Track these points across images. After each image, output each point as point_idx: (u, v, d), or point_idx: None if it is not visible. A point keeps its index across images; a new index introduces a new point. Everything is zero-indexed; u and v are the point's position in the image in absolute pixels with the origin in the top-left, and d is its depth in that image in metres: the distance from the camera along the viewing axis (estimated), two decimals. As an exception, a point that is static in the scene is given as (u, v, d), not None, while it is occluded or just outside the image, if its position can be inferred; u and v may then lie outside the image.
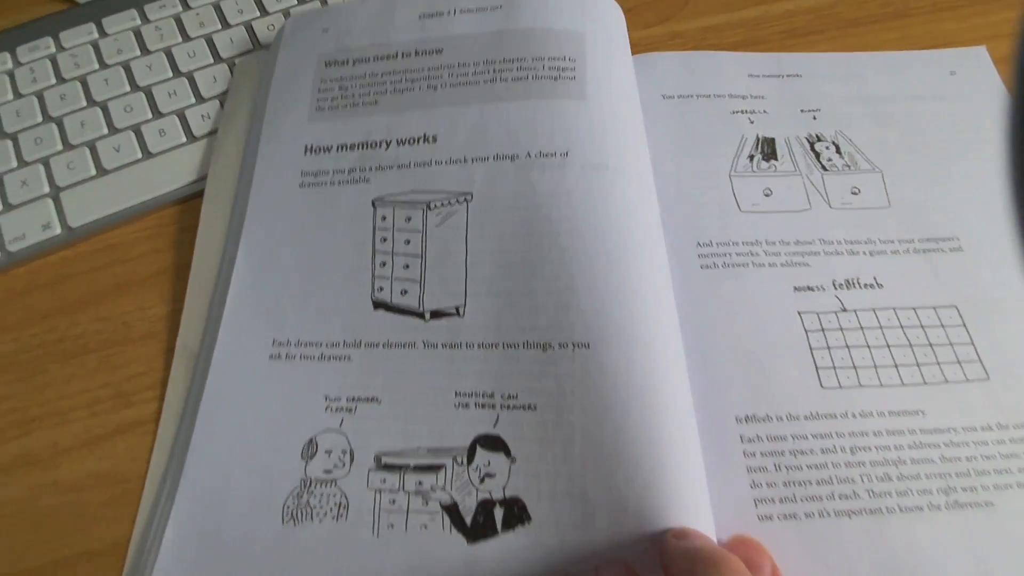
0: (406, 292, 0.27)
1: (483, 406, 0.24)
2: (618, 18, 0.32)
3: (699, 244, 0.28)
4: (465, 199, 0.28)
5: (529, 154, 0.27)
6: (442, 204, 0.28)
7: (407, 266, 0.28)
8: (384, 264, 0.28)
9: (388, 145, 0.30)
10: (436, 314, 0.26)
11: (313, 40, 0.33)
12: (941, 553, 0.22)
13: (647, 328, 0.24)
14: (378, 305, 0.27)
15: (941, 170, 0.30)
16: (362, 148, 0.30)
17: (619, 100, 0.29)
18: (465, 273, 0.27)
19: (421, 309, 0.27)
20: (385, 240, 0.28)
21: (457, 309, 0.26)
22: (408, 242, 0.28)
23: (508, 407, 0.24)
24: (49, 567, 0.24)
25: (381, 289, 0.27)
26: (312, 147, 0.30)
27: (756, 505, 0.23)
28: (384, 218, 0.29)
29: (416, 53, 0.31)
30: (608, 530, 0.21)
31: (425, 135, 0.29)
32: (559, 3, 0.31)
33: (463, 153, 0.28)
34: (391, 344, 0.26)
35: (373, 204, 0.29)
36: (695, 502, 0.22)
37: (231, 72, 0.34)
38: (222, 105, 0.33)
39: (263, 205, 0.29)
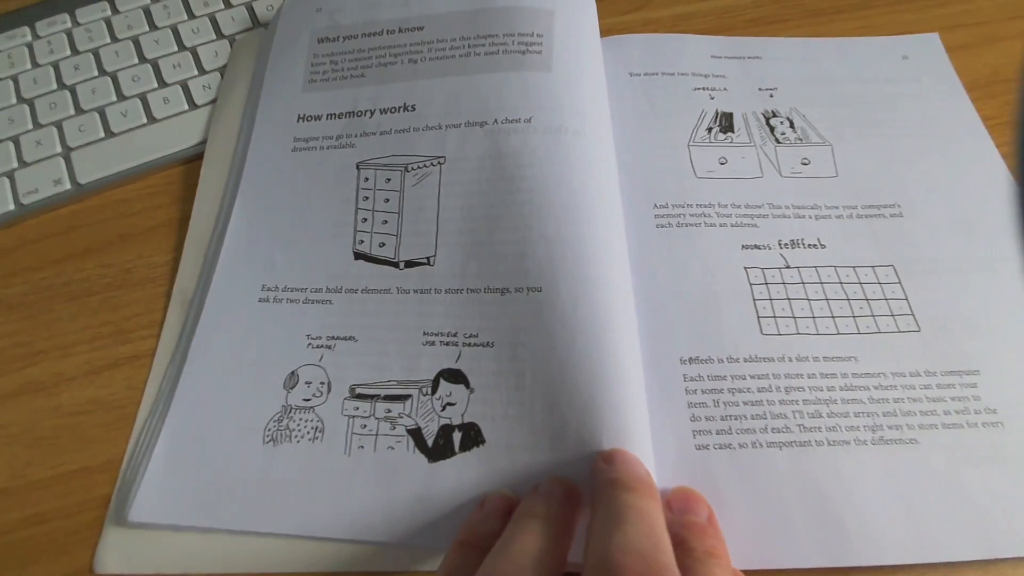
0: (384, 244, 0.30)
1: (447, 344, 0.26)
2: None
3: (656, 206, 0.30)
4: (439, 162, 0.30)
5: (497, 120, 0.30)
6: (418, 167, 0.31)
7: (385, 222, 0.30)
8: (365, 220, 0.30)
9: (372, 114, 0.32)
10: (410, 263, 0.29)
11: (308, 18, 0.35)
12: (864, 483, 0.24)
13: (596, 275, 0.26)
14: (358, 256, 0.29)
15: (887, 144, 0.33)
16: (349, 116, 0.32)
17: (583, 72, 0.31)
18: (436, 227, 0.29)
19: (396, 259, 0.29)
20: (367, 199, 0.31)
21: (428, 259, 0.29)
22: (387, 200, 0.30)
23: (469, 344, 0.26)
24: (48, 481, 0.26)
25: (362, 242, 0.30)
26: (304, 116, 0.33)
27: (694, 436, 0.25)
28: (367, 179, 0.31)
29: (400, 30, 0.34)
30: (551, 451, 0.23)
31: (405, 104, 0.32)
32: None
33: (438, 120, 0.31)
34: (368, 290, 0.28)
35: (357, 167, 0.31)
36: (633, 428, 0.24)
37: (231, 47, 0.37)
38: (222, 76, 0.36)
39: (258, 166, 0.32)
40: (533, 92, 0.30)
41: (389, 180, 0.31)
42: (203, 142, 0.34)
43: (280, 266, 0.29)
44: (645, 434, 0.24)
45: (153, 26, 0.37)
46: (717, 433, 0.25)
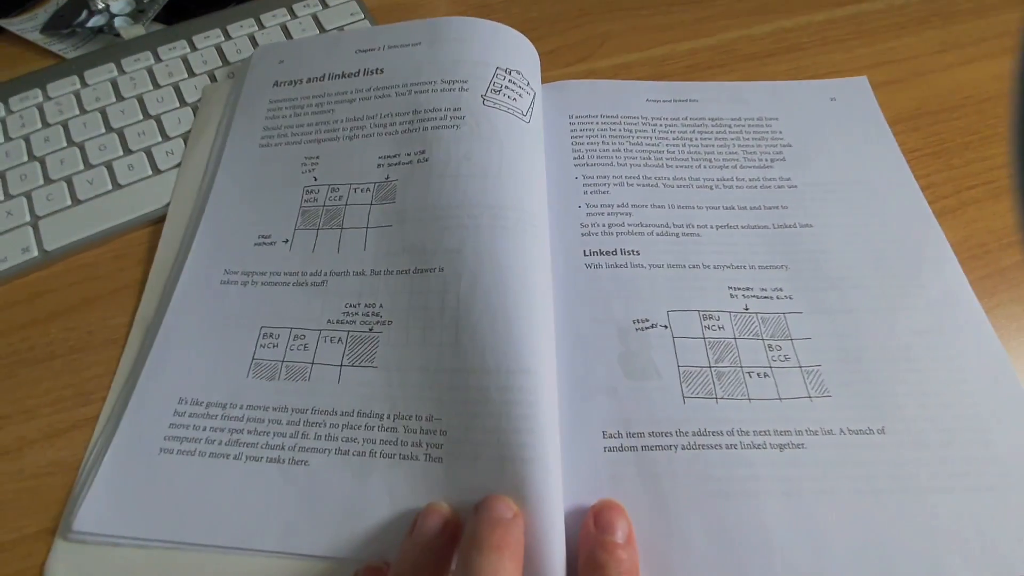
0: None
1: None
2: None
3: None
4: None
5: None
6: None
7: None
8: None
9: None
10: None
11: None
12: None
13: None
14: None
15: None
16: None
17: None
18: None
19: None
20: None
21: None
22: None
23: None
24: (10, 544, 0.27)
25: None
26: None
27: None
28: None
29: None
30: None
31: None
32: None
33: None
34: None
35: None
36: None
37: (194, 115, 0.39)
38: (185, 143, 0.38)
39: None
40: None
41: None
42: (165, 206, 0.35)
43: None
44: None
45: (120, 97, 0.40)
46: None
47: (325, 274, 0.31)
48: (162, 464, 0.27)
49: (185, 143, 0.38)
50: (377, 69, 0.37)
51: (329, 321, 0.29)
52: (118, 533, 0.25)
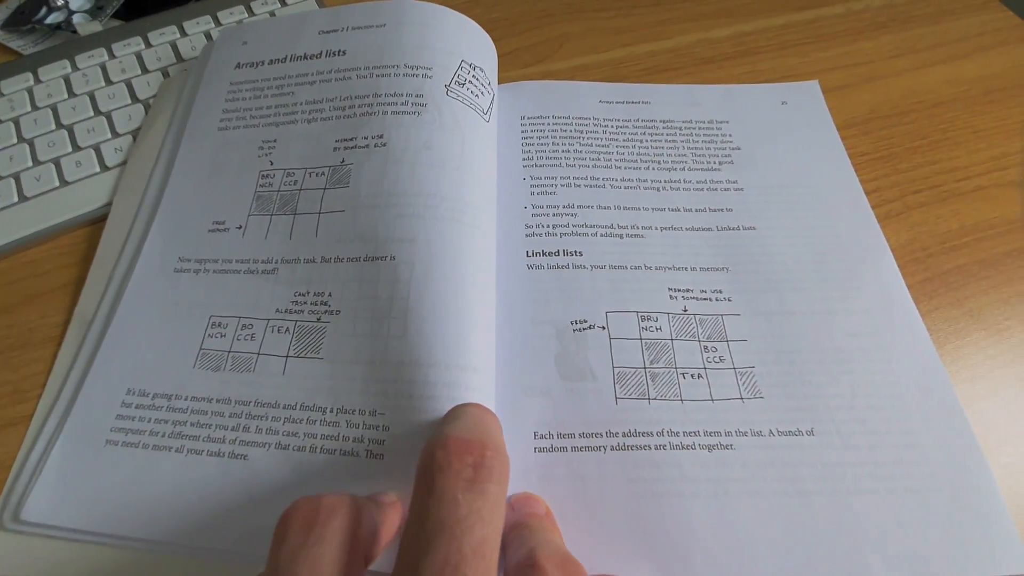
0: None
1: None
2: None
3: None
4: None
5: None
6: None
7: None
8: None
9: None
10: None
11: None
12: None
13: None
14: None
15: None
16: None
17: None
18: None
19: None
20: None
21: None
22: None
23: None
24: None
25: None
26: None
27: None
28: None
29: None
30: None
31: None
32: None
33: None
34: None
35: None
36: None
37: (146, 111, 0.39)
38: (135, 139, 0.37)
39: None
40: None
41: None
42: (110, 203, 0.35)
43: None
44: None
45: (72, 94, 0.39)
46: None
47: (276, 261, 0.30)
48: (107, 456, 0.27)
49: (135, 139, 0.37)
50: (340, 51, 0.36)
51: (278, 310, 0.29)
52: (62, 524, 0.25)
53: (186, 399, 0.28)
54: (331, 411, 0.26)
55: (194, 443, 0.27)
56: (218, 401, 0.27)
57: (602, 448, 0.26)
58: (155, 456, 0.26)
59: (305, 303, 0.29)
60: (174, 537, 0.25)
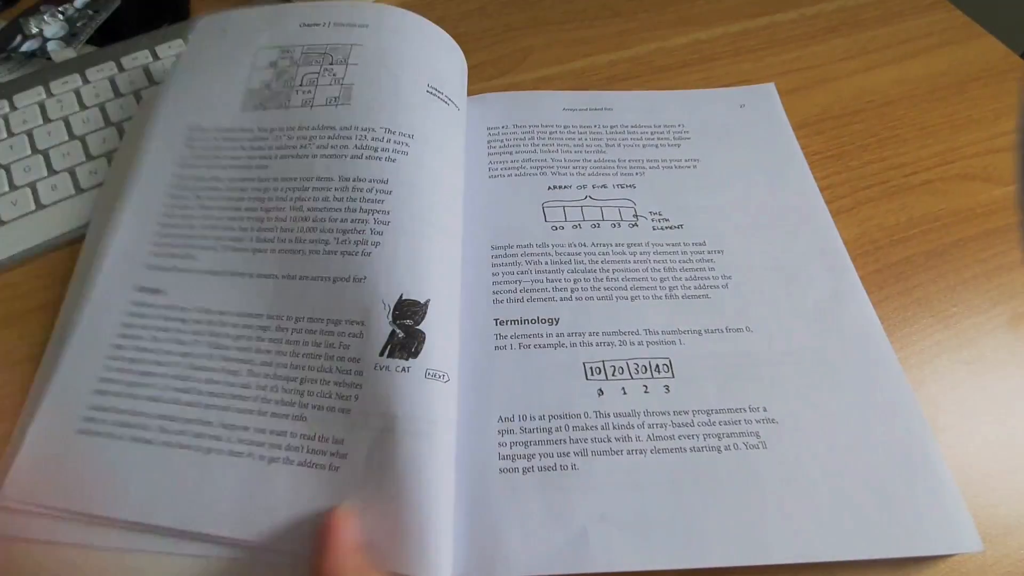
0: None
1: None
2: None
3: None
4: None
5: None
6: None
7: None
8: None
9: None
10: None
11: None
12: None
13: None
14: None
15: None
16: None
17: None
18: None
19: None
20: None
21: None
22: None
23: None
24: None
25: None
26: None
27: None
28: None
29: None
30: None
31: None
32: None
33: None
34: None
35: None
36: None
37: (120, 135, 0.39)
38: (109, 162, 0.38)
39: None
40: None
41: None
42: (86, 224, 0.36)
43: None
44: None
45: (47, 119, 0.40)
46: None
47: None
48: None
49: (109, 162, 0.38)
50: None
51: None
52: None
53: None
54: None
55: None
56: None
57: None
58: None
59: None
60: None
